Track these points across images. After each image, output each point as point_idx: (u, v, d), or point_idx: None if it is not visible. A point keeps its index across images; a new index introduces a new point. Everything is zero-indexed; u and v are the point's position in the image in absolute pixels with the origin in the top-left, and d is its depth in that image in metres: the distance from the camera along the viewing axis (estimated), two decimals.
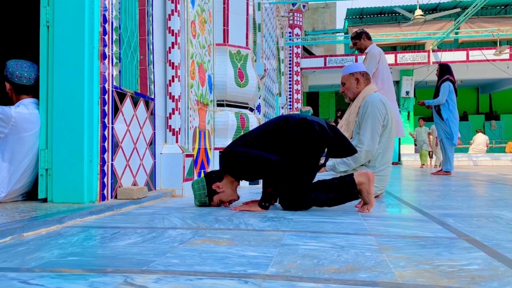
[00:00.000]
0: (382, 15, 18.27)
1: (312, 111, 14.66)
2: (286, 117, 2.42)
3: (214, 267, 1.16)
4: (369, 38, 4.52)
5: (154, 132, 3.12)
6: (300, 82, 15.75)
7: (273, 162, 2.28)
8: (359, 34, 4.50)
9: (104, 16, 2.46)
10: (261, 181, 4.49)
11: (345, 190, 2.29)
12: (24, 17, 4.57)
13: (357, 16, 18.65)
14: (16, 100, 2.55)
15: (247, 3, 4.64)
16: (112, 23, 2.54)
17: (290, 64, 15.52)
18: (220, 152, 4.29)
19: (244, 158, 2.34)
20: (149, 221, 1.97)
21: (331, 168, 3.00)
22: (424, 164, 11.74)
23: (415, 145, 12.41)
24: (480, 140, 13.34)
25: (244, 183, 4.31)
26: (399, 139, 14.90)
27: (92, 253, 1.33)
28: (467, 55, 15.11)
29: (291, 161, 2.32)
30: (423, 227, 1.83)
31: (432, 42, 15.81)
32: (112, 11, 2.55)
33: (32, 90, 2.55)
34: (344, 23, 19.46)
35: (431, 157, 12.69)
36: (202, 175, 2.51)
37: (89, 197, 2.32)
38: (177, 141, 3.35)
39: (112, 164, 2.51)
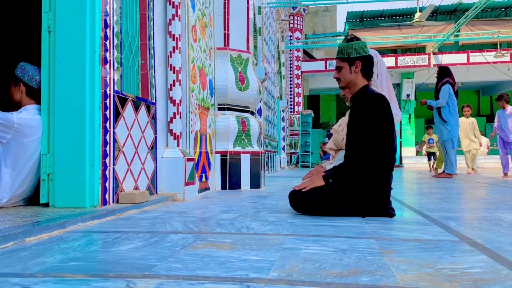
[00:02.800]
0: (383, 18, 18.31)
1: (313, 114, 14.68)
2: None
3: (216, 272, 1.16)
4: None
5: (156, 136, 3.13)
6: (301, 86, 15.77)
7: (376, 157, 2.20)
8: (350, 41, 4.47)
9: (105, 21, 2.47)
10: (263, 185, 4.49)
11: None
12: (26, 23, 4.60)
13: (358, 19, 18.69)
14: (22, 105, 2.57)
15: (248, 7, 4.66)
16: (113, 28, 2.56)
17: (290, 67, 15.55)
18: (221, 155, 4.30)
19: (382, 116, 2.24)
20: (150, 226, 1.97)
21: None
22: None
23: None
24: (482, 142, 13.30)
25: (245, 186, 4.31)
26: (400, 141, 14.89)
27: (94, 258, 1.34)
28: (468, 57, 15.13)
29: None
30: (425, 230, 1.83)
31: (433, 45, 15.83)
32: (113, 16, 2.56)
33: (37, 95, 2.56)
34: (345, 26, 19.50)
35: (433, 160, 10.52)
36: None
37: (90, 201, 2.32)
38: (178, 145, 3.35)
39: (113, 168, 2.51)
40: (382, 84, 4.22)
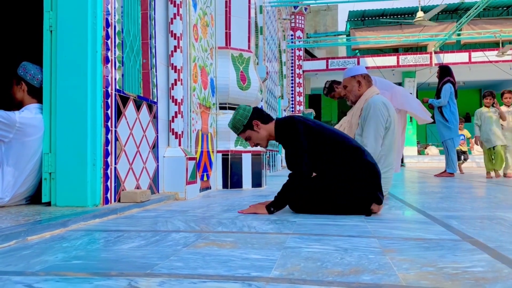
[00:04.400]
0: (384, 17, 18.29)
1: (314, 113, 14.67)
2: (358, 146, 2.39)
3: (218, 270, 1.16)
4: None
5: (157, 136, 3.13)
6: (302, 85, 15.76)
7: (300, 170, 2.28)
8: (330, 86, 4.43)
9: (107, 20, 2.47)
10: (264, 184, 4.49)
11: (356, 210, 2.29)
12: (28, 22, 4.61)
13: (359, 18, 18.67)
14: (23, 104, 2.57)
15: (249, 6, 4.65)
16: (114, 27, 2.56)
17: (292, 66, 15.54)
18: (222, 154, 4.30)
19: (294, 138, 2.31)
20: (152, 224, 1.97)
21: None
22: (489, 172, 6.50)
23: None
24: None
25: (247, 185, 4.31)
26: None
27: (96, 257, 1.34)
28: (470, 56, 15.11)
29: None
30: (426, 229, 1.83)
31: (434, 44, 15.81)
32: (114, 15, 2.56)
33: (39, 94, 2.57)
34: (346, 25, 19.49)
35: (463, 160, 8.43)
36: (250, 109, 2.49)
37: (92, 200, 2.32)
38: (180, 144, 3.36)
39: (115, 167, 2.52)
40: (402, 101, 4.13)
